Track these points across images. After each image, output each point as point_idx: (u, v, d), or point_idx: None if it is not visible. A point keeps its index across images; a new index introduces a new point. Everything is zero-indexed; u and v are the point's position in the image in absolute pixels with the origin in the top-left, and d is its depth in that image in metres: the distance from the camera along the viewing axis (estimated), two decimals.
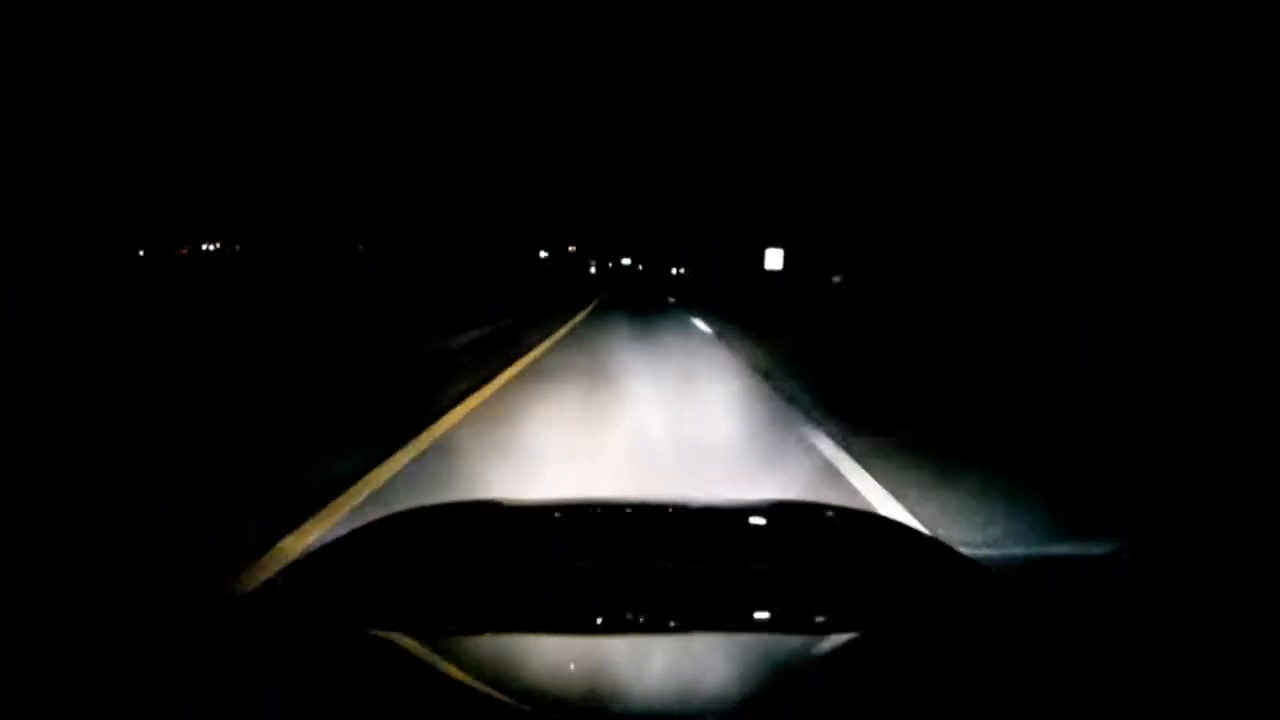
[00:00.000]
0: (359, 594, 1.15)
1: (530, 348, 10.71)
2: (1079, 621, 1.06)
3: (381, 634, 0.99)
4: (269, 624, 1.05)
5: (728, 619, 1.07)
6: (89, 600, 2.25)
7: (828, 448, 5.13)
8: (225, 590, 1.19)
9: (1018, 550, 2.50)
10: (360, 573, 1.26)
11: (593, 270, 53.16)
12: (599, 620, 1.06)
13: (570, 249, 47.30)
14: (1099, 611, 1.11)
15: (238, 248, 30.04)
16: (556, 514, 1.66)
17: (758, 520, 1.62)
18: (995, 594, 1.17)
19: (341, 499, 3.84)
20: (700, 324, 16.13)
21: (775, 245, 32.51)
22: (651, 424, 5.74)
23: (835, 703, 0.86)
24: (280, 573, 1.29)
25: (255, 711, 0.82)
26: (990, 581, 1.23)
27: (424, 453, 4.83)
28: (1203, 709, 0.83)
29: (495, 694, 0.84)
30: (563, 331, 13.65)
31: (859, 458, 4.82)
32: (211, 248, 33.35)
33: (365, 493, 3.97)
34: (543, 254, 46.49)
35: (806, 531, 1.52)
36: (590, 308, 21.44)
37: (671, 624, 1.06)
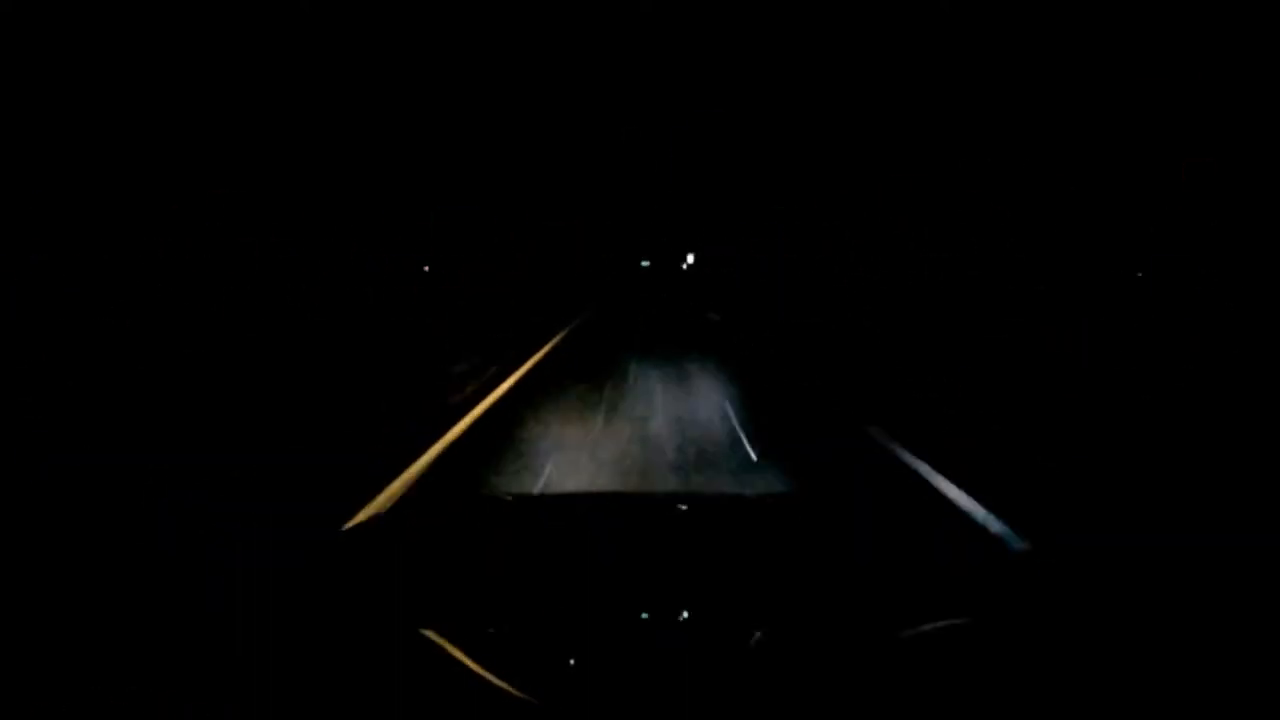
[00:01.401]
0: (372, 587, 1.15)
1: None
2: (1117, 611, 1.05)
3: (397, 626, 0.98)
4: (284, 616, 1.04)
5: (749, 609, 1.06)
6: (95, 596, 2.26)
7: None
8: (238, 581, 1.20)
9: None
10: (374, 566, 1.25)
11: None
12: (619, 611, 1.06)
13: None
14: (1132, 601, 1.10)
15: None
16: (573, 506, 1.66)
17: (780, 510, 1.62)
18: (1025, 583, 1.16)
19: None
20: None
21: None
22: None
23: (859, 689, 0.85)
24: (296, 564, 1.28)
25: (269, 705, 0.81)
26: (1020, 570, 1.22)
27: None
28: (1216, 707, 0.82)
29: (511, 685, 0.83)
30: None
31: None
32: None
33: None
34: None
35: (827, 521, 1.52)
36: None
37: (690, 615, 1.05)
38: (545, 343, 13.53)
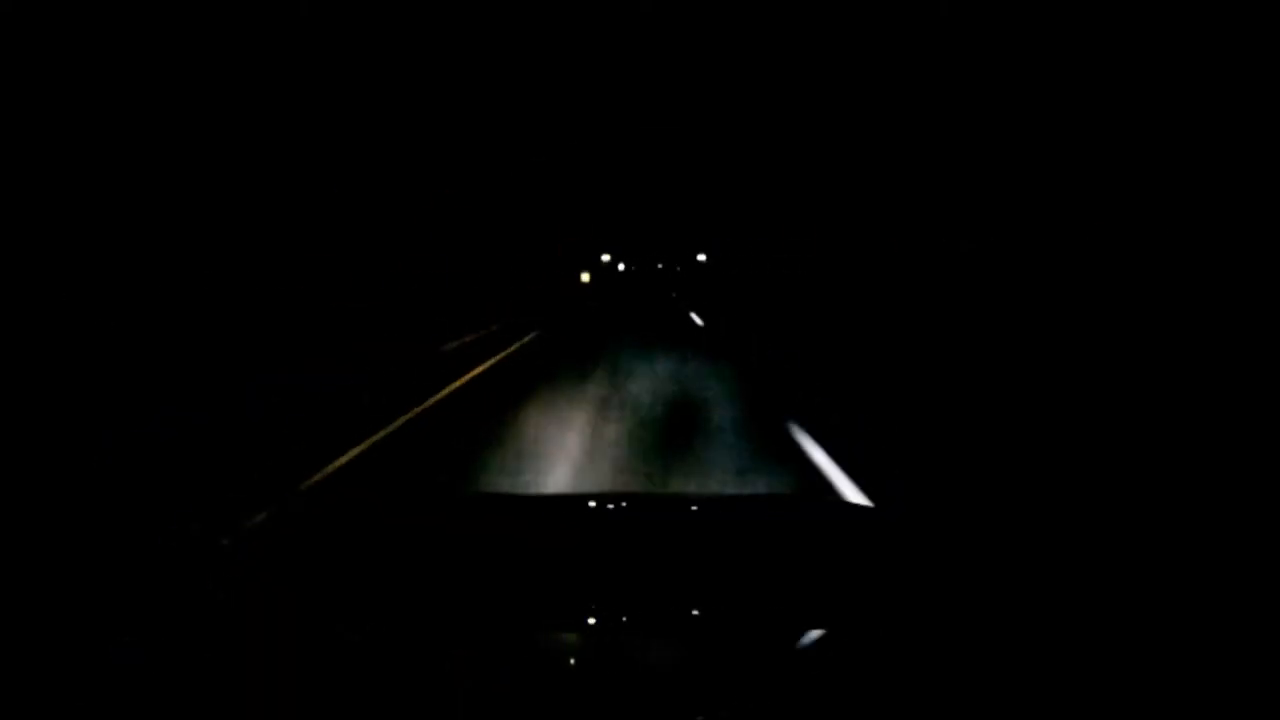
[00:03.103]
0: (347, 585, 1.13)
1: None
2: (1091, 617, 1.04)
3: (374, 627, 0.97)
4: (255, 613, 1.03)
5: (723, 614, 1.06)
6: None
7: None
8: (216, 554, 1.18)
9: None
10: (350, 564, 1.23)
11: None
12: (591, 615, 1.05)
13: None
14: (1109, 605, 1.09)
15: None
16: (566, 506, 1.65)
17: (757, 514, 1.61)
18: (1001, 594, 1.16)
19: None
20: None
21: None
22: None
23: (830, 699, 0.85)
24: (265, 561, 1.26)
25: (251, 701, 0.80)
26: (999, 582, 1.22)
27: None
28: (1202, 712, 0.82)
29: (486, 689, 0.82)
30: None
31: None
32: None
33: None
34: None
35: (803, 526, 1.51)
36: None
37: (664, 619, 1.05)
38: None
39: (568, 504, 1.71)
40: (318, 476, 4.47)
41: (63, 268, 7.48)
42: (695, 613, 1.06)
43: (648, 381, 8.18)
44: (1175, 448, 5.20)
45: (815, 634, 1.03)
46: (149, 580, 1.09)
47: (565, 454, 4.98)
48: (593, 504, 1.68)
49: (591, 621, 1.04)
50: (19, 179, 7.09)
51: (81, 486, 4.03)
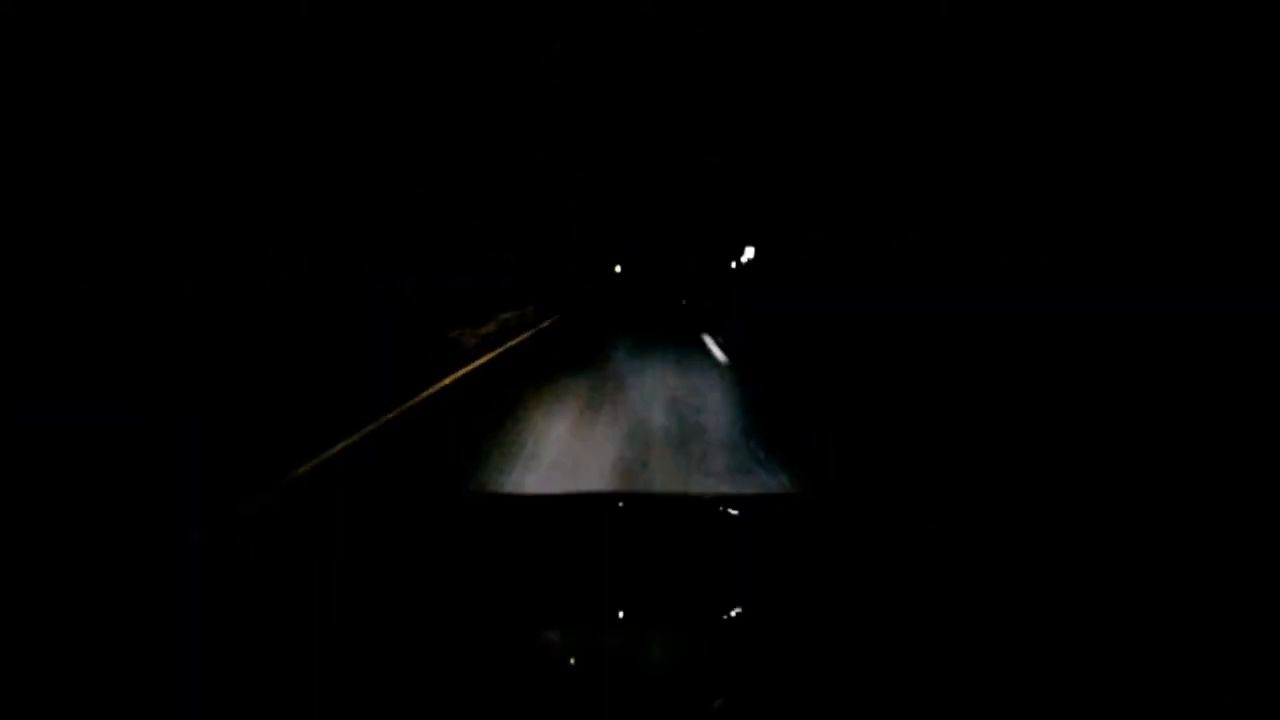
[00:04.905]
0: (338, 581, 1.12)
1: None
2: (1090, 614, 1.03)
3: (366, 625, 0.96)
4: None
5: (721, 612, 1.05)
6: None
7: None
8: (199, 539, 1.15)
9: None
10: (342, 559, 1.22)
11: None
12: (586, 615, 1.04)
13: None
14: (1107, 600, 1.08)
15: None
16: (547, 506, 1.64)
17: (756, 514, 1.60)
18: (993, 591, 1.15)
19: None
20: None
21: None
22: None
23: (830, 697, 0.84)
24: (258, 545, 1.24)
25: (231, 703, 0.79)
26: (989, 578, 1.21)
27: None
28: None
29: (480, 689, 0.81)
30: None
31: None
32: None
33: None
34: None
35: (802, 526, 1.50)
36: None
37: (661, 618, 1.04)
38: None
39: (564, 504, 1.70)
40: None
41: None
42: (693, 611, 1.05)
43: None
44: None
45: (814, 633, 1.02)
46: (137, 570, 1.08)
47: None
48: (587, 504, 1.67)
49: (586, 621, 1.03)
50: None
51: None
